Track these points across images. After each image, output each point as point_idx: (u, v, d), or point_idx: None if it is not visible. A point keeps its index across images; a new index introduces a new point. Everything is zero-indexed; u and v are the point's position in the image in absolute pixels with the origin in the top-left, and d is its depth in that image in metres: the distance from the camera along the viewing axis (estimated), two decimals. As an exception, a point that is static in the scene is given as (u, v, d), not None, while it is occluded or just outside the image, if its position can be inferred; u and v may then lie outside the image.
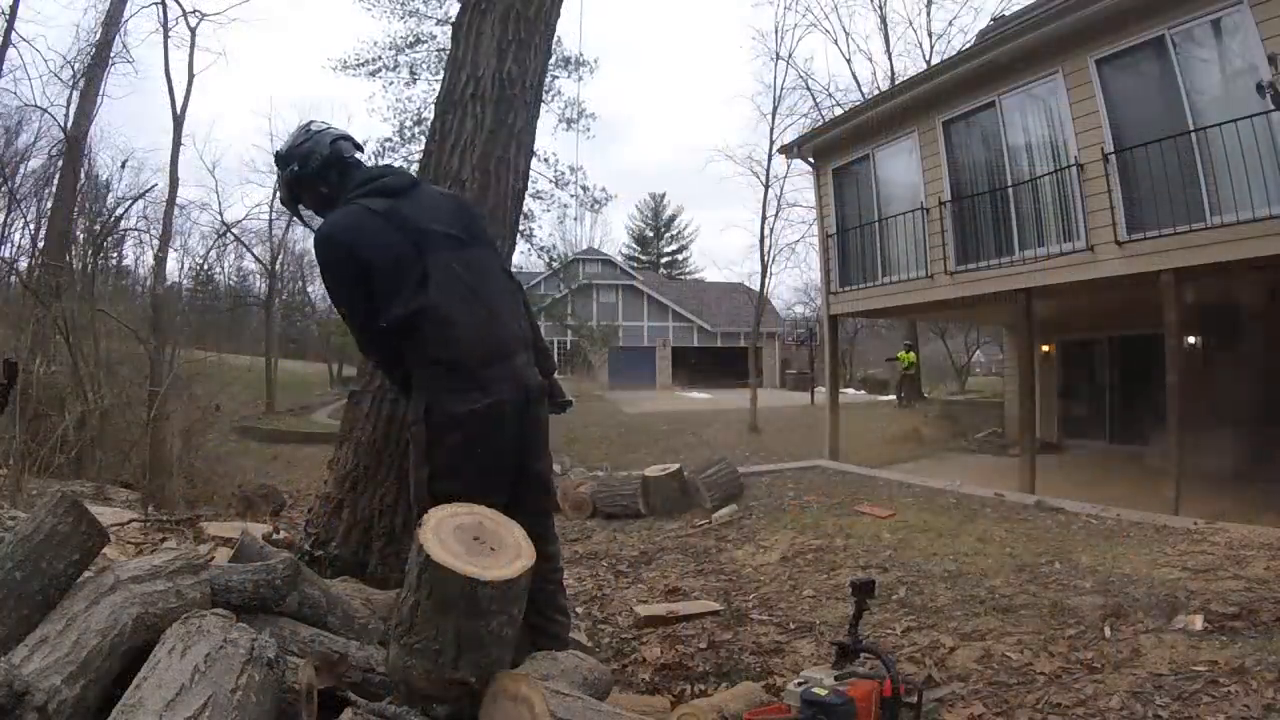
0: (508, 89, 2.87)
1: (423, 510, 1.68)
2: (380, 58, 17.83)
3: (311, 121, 2.46)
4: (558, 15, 3.13)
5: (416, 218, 2.22)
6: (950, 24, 33.55)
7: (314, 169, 2.33)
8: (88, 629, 1.44)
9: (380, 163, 17.66)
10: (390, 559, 2.57)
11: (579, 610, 3.72)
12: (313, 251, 2.42)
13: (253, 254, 25.76)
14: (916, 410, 16.46)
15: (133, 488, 6.48)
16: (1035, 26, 7.91)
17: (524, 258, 21.73)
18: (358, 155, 2.43)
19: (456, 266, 2.20)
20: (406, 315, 2.12)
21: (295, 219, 2.96)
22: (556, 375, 2.54)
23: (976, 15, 35.22)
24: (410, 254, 2.15)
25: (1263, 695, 2.53)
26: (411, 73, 17.73)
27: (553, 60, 3.39)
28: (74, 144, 11.00)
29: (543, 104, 3.30)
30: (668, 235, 47.81)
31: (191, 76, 16.06)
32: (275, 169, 2.46)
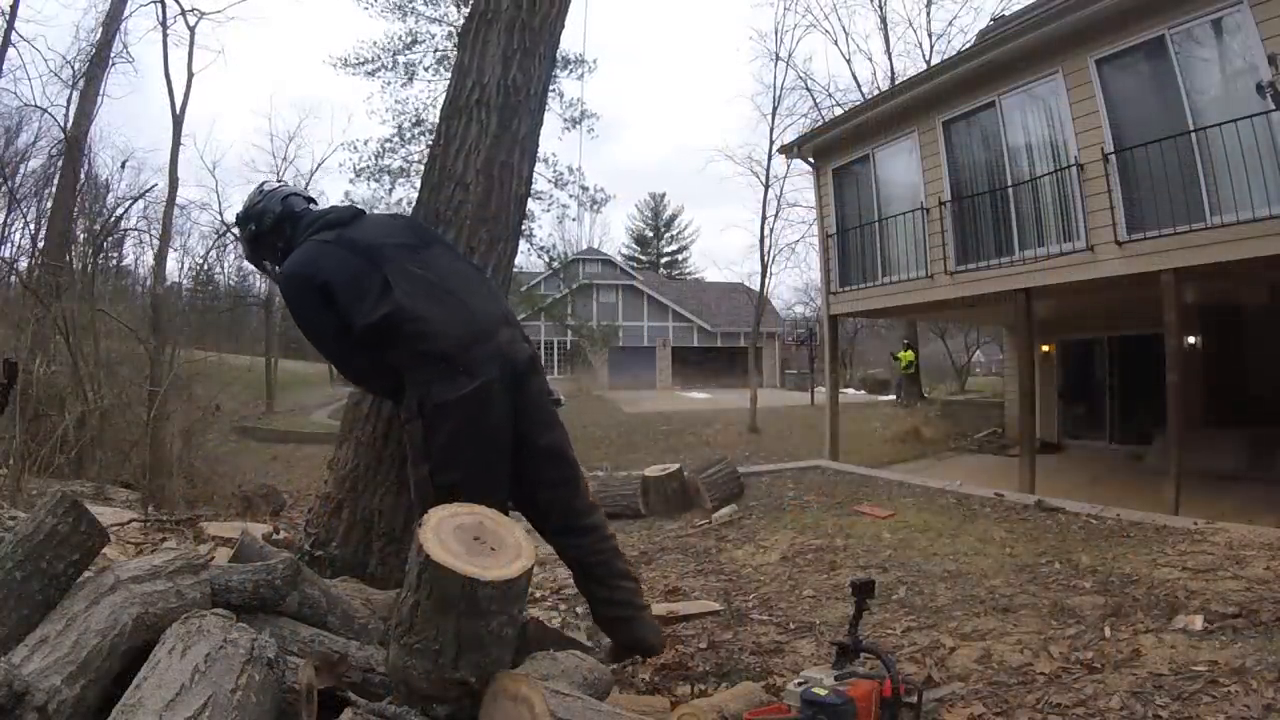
0: (512, 96, 2.92)
1: (427, 508, 1.69)
2: (378, 58, 17.83)
3: (265, 182, 2.69)
4: (562, 26, 3.19)
5: (365, 237, 2.37)
6: (950, 24, 33.40)
7: (269, 225, 2.51)
8: (88, 629, 1.44)
9: (380, 164, 17.82)
10: (390, 559, 2.57)
11: (579, 610, 3.70)
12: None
13: (253, 254, 25.71)
14: (916, 410, 16.45)
15: (133, 488, 6.49)
16: (1035, 26, 7.91)
17: (524, 258, 21.74)
18: (310, 206, 2.59)
19: (414, 268, 2.30)
20: (376, 322, 2.19)
21: (262, 273, 3.13)
22: (555, 375, 2.57)
23: (976, 15, 35.22)
24: (366, 268, 2.27)
25: (1263, 695, 2.53)
26: (409, 73, 17.73)
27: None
28: (74, 144, 11.01)
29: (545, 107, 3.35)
30: (668, 235, 47.88)
31: (191, 75, 16.22)
32: (237, 229, 2.67)
